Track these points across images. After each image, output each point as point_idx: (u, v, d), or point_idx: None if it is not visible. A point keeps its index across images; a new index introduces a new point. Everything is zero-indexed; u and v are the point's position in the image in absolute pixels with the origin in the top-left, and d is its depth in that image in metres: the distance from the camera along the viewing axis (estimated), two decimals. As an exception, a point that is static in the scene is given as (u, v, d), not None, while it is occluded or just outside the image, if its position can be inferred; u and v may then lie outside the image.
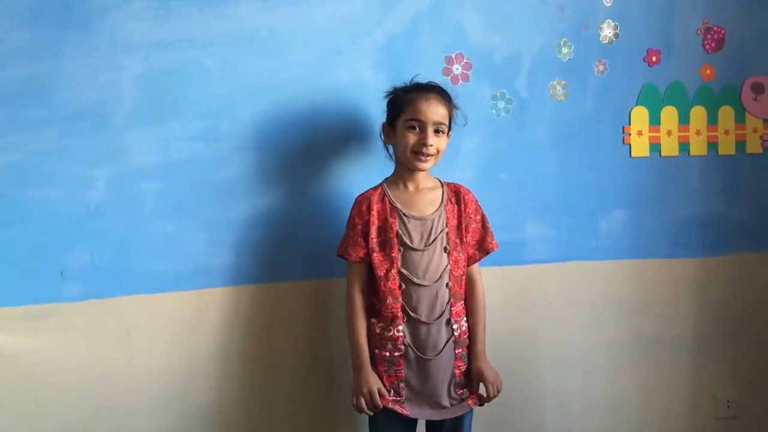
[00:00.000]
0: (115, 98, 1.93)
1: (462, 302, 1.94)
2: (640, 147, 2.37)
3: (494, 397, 1.93)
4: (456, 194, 1.96)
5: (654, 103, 2.37)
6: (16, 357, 1.89)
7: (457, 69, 2.19)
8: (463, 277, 1.94)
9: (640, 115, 2.36)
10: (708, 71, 2.41)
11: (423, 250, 1.88)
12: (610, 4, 2.31)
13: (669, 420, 2.46)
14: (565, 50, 2.28)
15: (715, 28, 2.41)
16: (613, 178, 2.35)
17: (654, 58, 2.36)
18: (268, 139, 2.05)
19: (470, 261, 1.96)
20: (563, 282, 2.33)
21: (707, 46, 2.41)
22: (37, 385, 1.91)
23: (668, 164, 2.40)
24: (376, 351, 1.89)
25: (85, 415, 1.95)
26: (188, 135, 1.99)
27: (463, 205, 1.94)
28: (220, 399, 2.06)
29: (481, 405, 1.94)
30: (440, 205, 1.93)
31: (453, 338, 1.89)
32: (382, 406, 1.84)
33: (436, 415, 1.90)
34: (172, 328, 2.01)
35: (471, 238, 1.95)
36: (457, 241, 1.92)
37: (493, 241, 1.98)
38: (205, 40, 1.99)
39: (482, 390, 1.94)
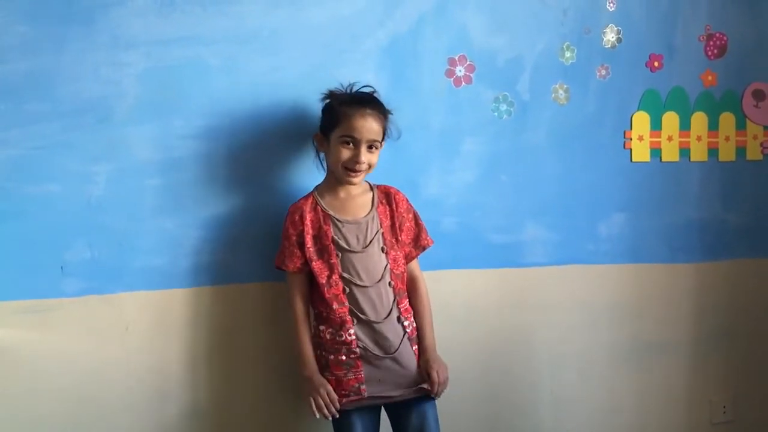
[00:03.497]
0: (116, 94, 1.93)
1: (405, 301, 1.96)
2: (640, 152, 2.37)
3: (441, 389, 1.93)
4: (386, 195, 1.99)
5: (655, 109, 2.37)
6: (14, 351, 1.89)
7: (459, 71, 2.19)
8: (404, 274, 1.97)
9: (641, 120, 2.36)
10: (710, 77, 2.42)
11: (361, 252, 1.91)
12: (613, 8, 2.31)
13: (665, 424, 2.47)
14: (567, 54, 2.28)
15: (717, 35, 2.41)
16: (614, 182, 2.36)
17: (656, 64, 2.36)
18: (269, 137, 2.05)
19: (408, 258, 1.99)
20: (561, 285, 2.34)
21: (709, 53, 2.41)
22: (35, 379, 1.91)
23: (668, 169, 2.40)
24: (331, 357, 1.90)
25: (82, 410, 1.95)
26: (189, 132, 1.99)
27: (394, 206, 1.97)
28: (219, 396, 2.06)
29: (433, 397, 1.94)
30: (372, 208, 1.96)
31: (407, 335, 1.93)
32: (338, 405, 1.87)
33: (393, 391, 1.91)
34: (171, 324, 2.01)
35: (406, 236, 1.98)
36: (393, 240, 1.95)
37: (428, 237, 2.01)
38: (207, 38, 1.99)
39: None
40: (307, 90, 2.04)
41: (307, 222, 1.92)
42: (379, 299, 1.90)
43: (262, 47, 2.03)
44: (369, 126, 1.88)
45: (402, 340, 1.92)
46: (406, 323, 1.93)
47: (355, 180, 1.93)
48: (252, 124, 2.03)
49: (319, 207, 1.94)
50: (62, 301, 1.92)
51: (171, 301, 2.01)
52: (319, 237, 1.92)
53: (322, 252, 1.91)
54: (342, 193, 1.97)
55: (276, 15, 2.04)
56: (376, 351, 1.89)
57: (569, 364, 2.37)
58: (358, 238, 1.92)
